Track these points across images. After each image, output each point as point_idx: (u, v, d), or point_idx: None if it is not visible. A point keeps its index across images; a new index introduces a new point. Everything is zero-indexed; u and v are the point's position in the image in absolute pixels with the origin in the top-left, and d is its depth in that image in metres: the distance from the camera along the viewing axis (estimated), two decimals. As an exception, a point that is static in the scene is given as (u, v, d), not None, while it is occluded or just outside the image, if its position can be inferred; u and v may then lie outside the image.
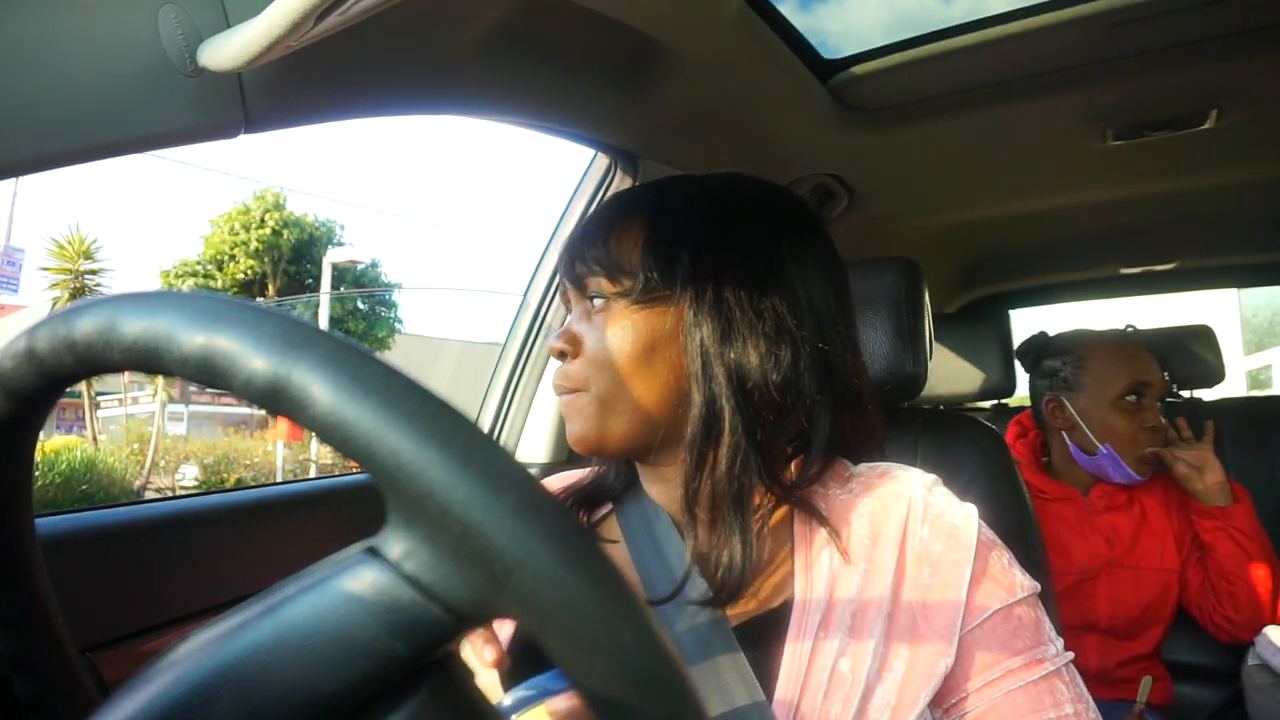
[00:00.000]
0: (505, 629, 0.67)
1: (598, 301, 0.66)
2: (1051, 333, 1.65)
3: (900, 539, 0.61)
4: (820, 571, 0.61)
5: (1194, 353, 1.89)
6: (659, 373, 0.64)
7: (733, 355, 0.62)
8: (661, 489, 0.68)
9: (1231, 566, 1.37)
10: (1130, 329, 1.64)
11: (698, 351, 0.63)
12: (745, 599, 0.63)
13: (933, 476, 0.67)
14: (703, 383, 0.62)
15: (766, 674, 0.58)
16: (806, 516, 0.64)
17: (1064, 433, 1.54)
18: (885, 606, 0.58)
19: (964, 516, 0.63)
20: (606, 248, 0.66)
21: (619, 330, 0.64)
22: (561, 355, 0.67)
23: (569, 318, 0.69)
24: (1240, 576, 1.36)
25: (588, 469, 0.76)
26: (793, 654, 0.58)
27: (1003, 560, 0.62)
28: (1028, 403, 1.81)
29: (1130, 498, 1.51)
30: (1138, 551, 1.48)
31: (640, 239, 0.65)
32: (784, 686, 0.57)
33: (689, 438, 0.62)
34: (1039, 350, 1.61)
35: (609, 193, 1.20)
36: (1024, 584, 0.62)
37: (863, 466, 0.69)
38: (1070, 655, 0.60)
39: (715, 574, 0.62)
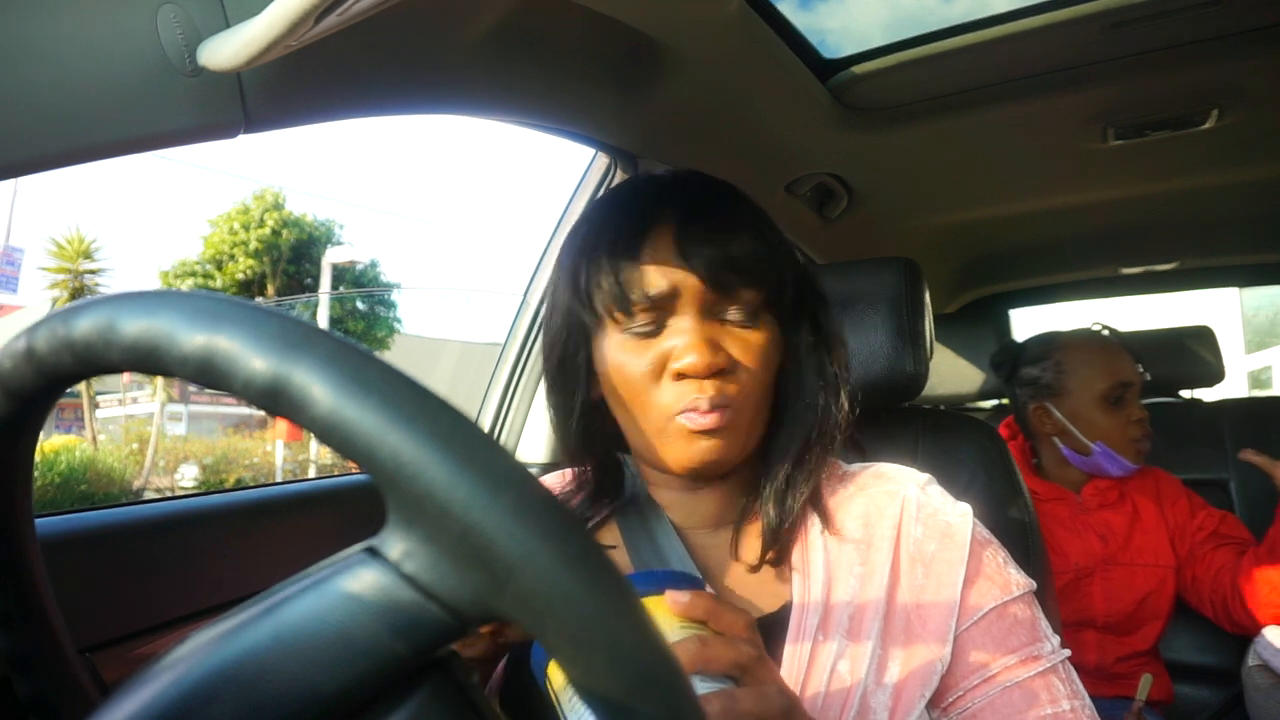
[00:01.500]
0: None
1: (737, 313, 0.61)
2: (1023, 338, 1.65)
3: (894, 539, 0.61)
4: (816, 574, 0.61)
5: (1194, 353, 1.90)
6: (774, 380, 0.65)
7: (816, 350, 0.66)
8: (686, 495, 0.67)
9: None
10: (1097, 326, 1.63)
11: (804, 350, 0.65)
12: (744, 603, 0.63)
13: (926, 475, 0.67)
14: (806, 381, 0.65)
15: None
16: (802, 517, 0.64)
17: (1055, 437, 1.54)
18: (881, 608, 0.58)
19: (958, 515, 0.63)
20: (756, 251, 0.61)
21: (772, 343, 0.62)
22: (720, 373, 0.60)
23: (692, 324, 0.60)
24: None
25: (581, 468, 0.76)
26: (792, 657, 0.58)
27: (997, 559, 0.62)
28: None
29: (1122, 495, 1.51)
30: (1132, 548, 1.48)
31: (763, 238, 0.62)
32: None
33: (789, 435, 0.65)
34: (1015, 359, 1.61)
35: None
36: (1019, 582, 0.62)
37: (856, 466, 0.69)
38: (1066, 652, 0.60)
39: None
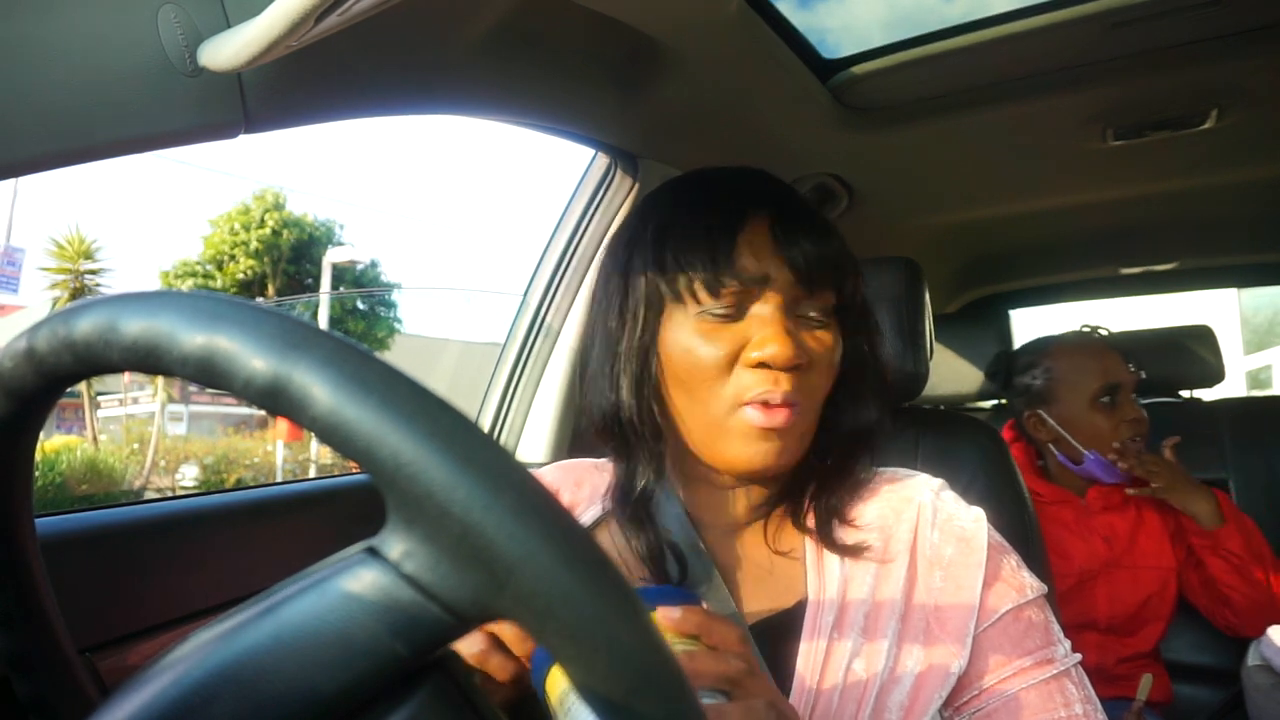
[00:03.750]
0: None
1: (815, 312, 0.61)
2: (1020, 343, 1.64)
3: (911, 543, 0.62)
4: (831, 571, 0.61)
5: (1194, 353, 1.89)
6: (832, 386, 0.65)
7: (872, 358, 0.67)
8: (720, 492, 0.66)
9: (1225, 579, 1.38)
10: (1087, 328, 1.63)
11: (864, 357, 0.66)
12: (759, 598, 0.63)
13: (940, 481, 0.68)
14: (864, 388, 0.66)
15: (782, 674, 0.58)
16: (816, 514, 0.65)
17: (1050, 444, 1.54)
18: (898, 608, 0.59)
19: (973, 521, 0.64)
20: (841, 253, 0.63)
21: (837, 344, 0.63)
22: (796, 368, 0.59)
23: (776, 315, 0.59)
24: (1235, 587, 1.37)
25: (587, 460, 0.76)
26: (808, 653, 0.58)
27: (1011, 563, 0.63)
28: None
29: (1126, 497, 1.51)
30: (1136, 551, 1.48)
31: (837, 246, 0.63)
32: (799, 686, 0.57)
33: (850, 447, 0.66)
34: (1008, 368, 1.61)
35: (609, 193, 1.20)
36: (1033, 585, 0.62)
37: (869, 470, 0.70)
38: (1078, 656, 0.61)
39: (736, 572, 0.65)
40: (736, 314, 0.59)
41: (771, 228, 0.60)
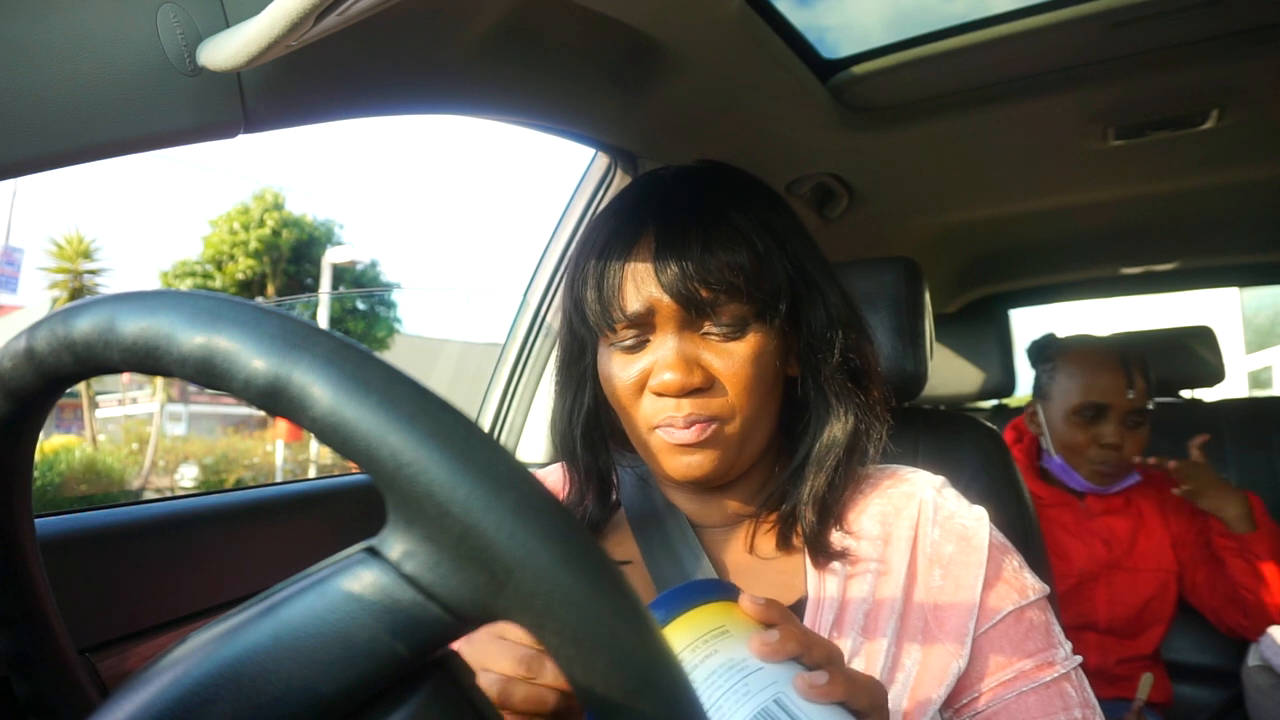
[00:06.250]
0: None
1: (721, 327, 0.59)
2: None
3: (912, 540, 0.62)
4: (832, 569, 0.61)
5: (1194, 353, 1.89)
6: (779, 388, 0.64)
7: (841, 344, 0.63)
8: (697, 496, 0.67)
9: (1244, 580, 1.37)
10: (1114, 340, 1.61)
11: (818, 355, 0.63)
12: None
13: (941, 478, 0.67)
14: (824, 386, 0.64)
15: None
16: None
17: (1040, 437, 1.55)
18: (897, 607, 0.59)
19: (975, 519, 0.64)
20: (736, 262, 0.58)
21: (764, 354, 0.60)
22: (697, 391, 0.59)
23: (669, 342, 0.59)
24: (1253, 590, 1.36)
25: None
26: None
27: (1014, 563, 0.63)
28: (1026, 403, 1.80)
29: (1126, 500, 1.51)
30: (1135, 553, 1.48)
31: (750, 248, 0.60)
32: None
33: (812, 442, 0.64)
34: (1036, 354, 1.61)
35: (609, 193, 1.20)
36: (1034, 587, 0.62)
37: (871, 467, 0.69)
38: (1079, 659, 0.61)
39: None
40: (637, 345, 0.61)
41: (654, 250, 0.59)
